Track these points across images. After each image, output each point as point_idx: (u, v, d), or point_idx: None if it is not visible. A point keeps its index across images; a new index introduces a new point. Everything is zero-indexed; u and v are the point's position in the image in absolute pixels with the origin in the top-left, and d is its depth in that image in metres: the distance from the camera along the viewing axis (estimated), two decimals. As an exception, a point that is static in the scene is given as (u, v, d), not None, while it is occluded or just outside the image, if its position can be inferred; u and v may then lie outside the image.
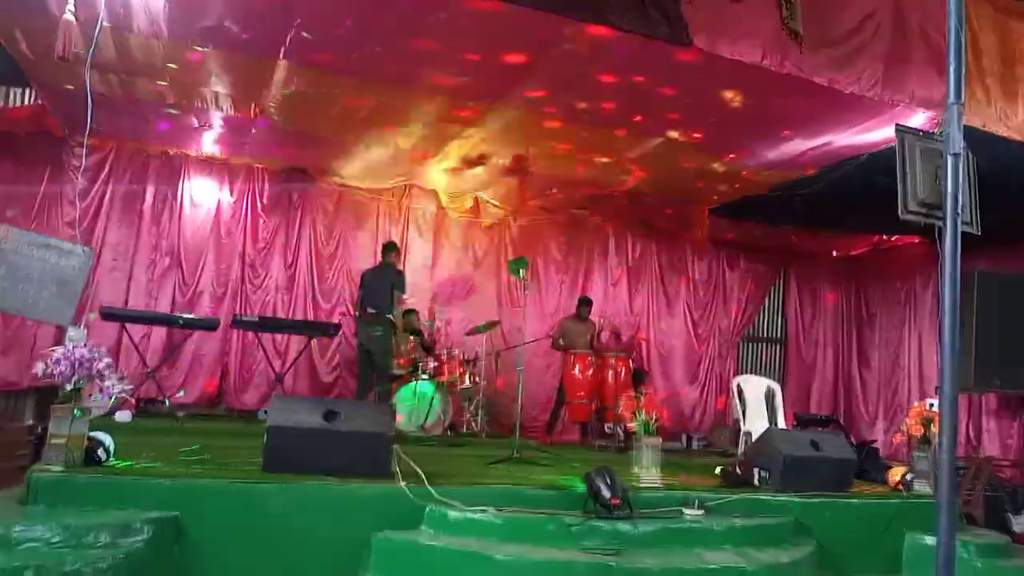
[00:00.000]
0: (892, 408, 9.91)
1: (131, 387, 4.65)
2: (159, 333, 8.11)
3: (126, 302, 8.02)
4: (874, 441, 8.43)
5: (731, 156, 7.25)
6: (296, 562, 3.83)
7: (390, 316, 6.83)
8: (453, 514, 4.13)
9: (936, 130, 2.85)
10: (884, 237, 10.28)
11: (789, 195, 7.98)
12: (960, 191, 2.63)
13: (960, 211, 2.62)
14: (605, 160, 7.66)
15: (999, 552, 4.99)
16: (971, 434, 8.60)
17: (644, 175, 8.03)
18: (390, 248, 7.71)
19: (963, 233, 2.74)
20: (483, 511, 4.16)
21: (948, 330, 2.60)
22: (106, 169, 8.14)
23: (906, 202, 2.72)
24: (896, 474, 5.73)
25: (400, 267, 7.26)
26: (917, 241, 9.90)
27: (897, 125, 2.84)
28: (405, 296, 7.39)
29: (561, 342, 8.58)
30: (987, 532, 5.38)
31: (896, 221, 8.68)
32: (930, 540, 4.98)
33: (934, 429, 5.55)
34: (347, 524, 3.98)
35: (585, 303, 8.83)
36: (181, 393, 7.94)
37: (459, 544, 3.95)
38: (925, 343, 9.71)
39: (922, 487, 5.55)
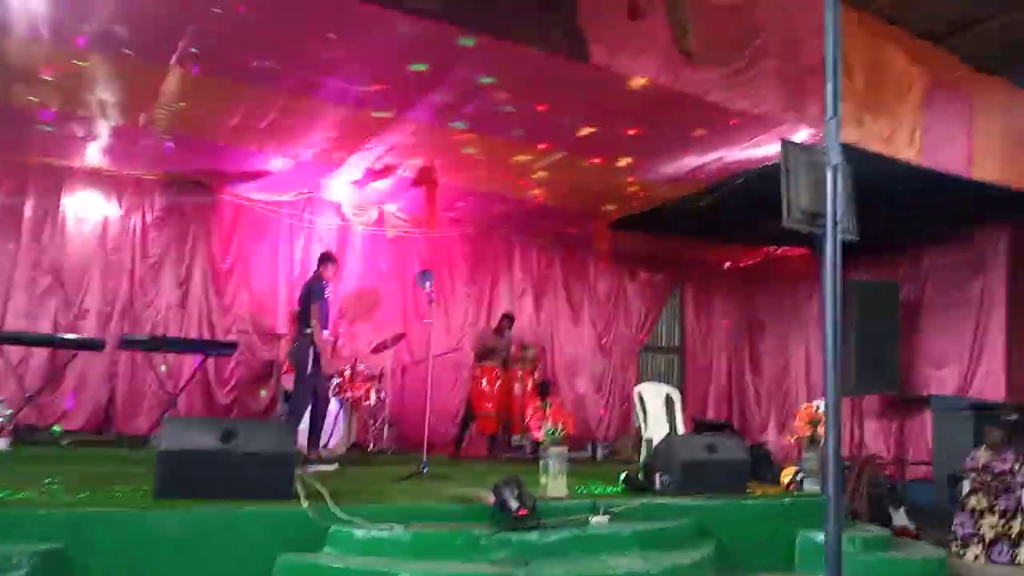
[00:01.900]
0: (783, 412, 10.42)
1: (8, 412, 4.35)
2: (40, 355, 7.58)
3: (2, 323, 7.47)
4: (766, 443, 8.83)
5: (629, 172, 7.46)
6: (191, 590, 3.66)
7: (307, 330, 6.37)
8: (358, 533, 4.06)
9: (818, 144, 3.03)
10: (773, 249, 10.83)
11: (683, 209, 8.28)
12: (839, 201, 2.80)
13: (840, 219, 2.79)
14: (511, 173, 7.73)
15: (882, 545, 5.30)
16: (855, 434, 9.14)
17: (549, 188, 8.16)
18: (320, 259, 7.04)
19: (843, 242, 2.93)
20: (389, 528, 4.10)
21: (830, 332, 2.75)
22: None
23: (790, 211, 2.87)
24: (787, 474, 6.02)
25: (320, 275, 6.71)
26: (803, 252, 10.47)
27: (783, 139, 3.01)
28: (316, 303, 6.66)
29: (485, 352, 8.58)
30: (871, 527, 5.71)
31: (783, 234, 9.10)
32: (821, 537, 5.23)
33: (821, 430, 5.87)
34: (247, 549, 3.84)
35: (508, 318, 8.91)
36: (58, 431, 7.43)
37: (365, 564, 3.88)
38: (812, 349, 10.28)
39: (811, 486, 5.85)
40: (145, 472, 4.59)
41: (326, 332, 6.51)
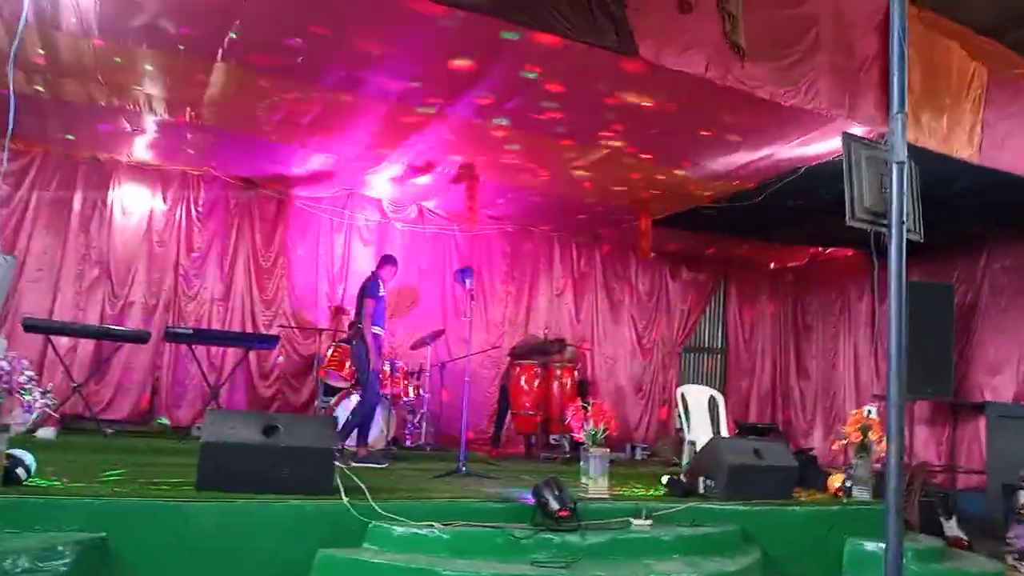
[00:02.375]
0: (830, 416, 10.16)
1: (55, 403, 4.40)
2: (86, 346, 7.74)
3: (51, 313, 7.63)
4: (812, 449, 8.61)
5: (676, 168, 7.33)
6: (232, 582, 3.65)
7: (359, 325, 6.44)
8: (398, 530, 4.03)
9: (881, 140, 2.90)
10: (821, 249, 10.57)
11: (731, 207, 8.12)
12: (904, 199, 2.67)
13: (905, 219, 2.66)
14: (552, 170, 7.65)
15: (935, 556, 5.12)
16: (905, 441, 8.85)
17: (591, 186, 8.06)
18: (381, 261, 7.07)
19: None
20: (429, 526, 4.07)
21: (895, 335, 2.63)
22: (31, 174, 7.76)
23: (853, 209, 2.75)
24: (836, 481, 5.84)
25: (377, 275, 6.70)
26: (851, 253, 10.21)
27: (844, 133, 2.88)
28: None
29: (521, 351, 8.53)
30: (924, 537, 5.52)
31: (832, 234, 8.91)
32: (870, 545, 5.09)
33: (872, 436, 5.69)
34: (287, 542, 3.82)
35: None
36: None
37: (405, 560, 3.84)
38: (860, 352, 9.99)
39: (861, 493, 5.67)
40: (187, 463, 4.62)
41: (379, 329, 6.43)
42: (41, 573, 3.13)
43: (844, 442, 5.89)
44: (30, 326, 6.82)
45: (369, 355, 6.23)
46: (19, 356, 3.76)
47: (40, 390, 3.74)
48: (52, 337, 7.25)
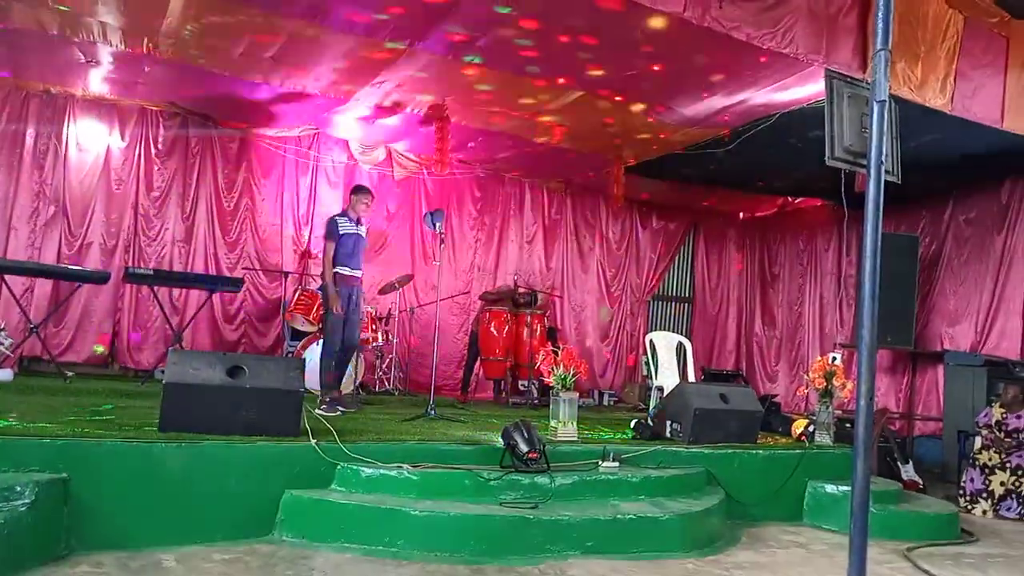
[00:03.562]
0: (794, 364, 10.34)
1: (11, 341, 4.27)
2: (43, 287, 7.50)
3: (4, 253, 7.36)
4: (776, 395, 8.76)
5: (650, 113, 7.23)
6: (200, 524, 3.63)
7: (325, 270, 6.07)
8: (366, 471, 4.02)
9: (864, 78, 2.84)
10: (790, 200, 10.61)
11: (703, 155, 8.06)
12: (884, 139, 2.63)
13: (883, 159, 2.63)
14: (524, 113, 7.50)
15: (892, 498, 5.27)
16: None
17: (563, 130, 7.93)
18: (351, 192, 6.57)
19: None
20: (397, 467, 4.06)
21: (869, 275, 2.61)
22: (-21, 106, 7.40)
23: (832, 148, 2.71)
24: (799, 426, 5.96)
25: (344, 211, 6.32)
26: (820, 204, 10.28)
27: (828, 69, 2.82)
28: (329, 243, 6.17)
29: (492, 296, 8.43)
30: (881, 480, 5.67)
31: (803, 183, 8.92)
32: (830, 487, 5.23)
33: (835, 383, 5.78)
34: (254, 483, 3.80)
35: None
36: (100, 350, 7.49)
37: (373, 501, 3.85)
38: (826, 302, 10.14)
39: (823, 438, 5.79)
40: (150, 406, 4.54)
41: (346, 269, 6.05)
42: (0, 512, 3.05)
43: (808, 388, 5.99)
44: (-17, 265, 6.57)
45: (328, 299, 5.95)
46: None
47: (-6, 328, 3.61)
48: (6, 277, 6.99)
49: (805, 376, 6.08)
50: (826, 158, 2.70)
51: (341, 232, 6.05)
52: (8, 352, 4.40)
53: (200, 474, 3.68)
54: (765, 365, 10.87)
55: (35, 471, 3.36)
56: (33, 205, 7.61)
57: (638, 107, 7.13)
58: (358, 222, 6.22)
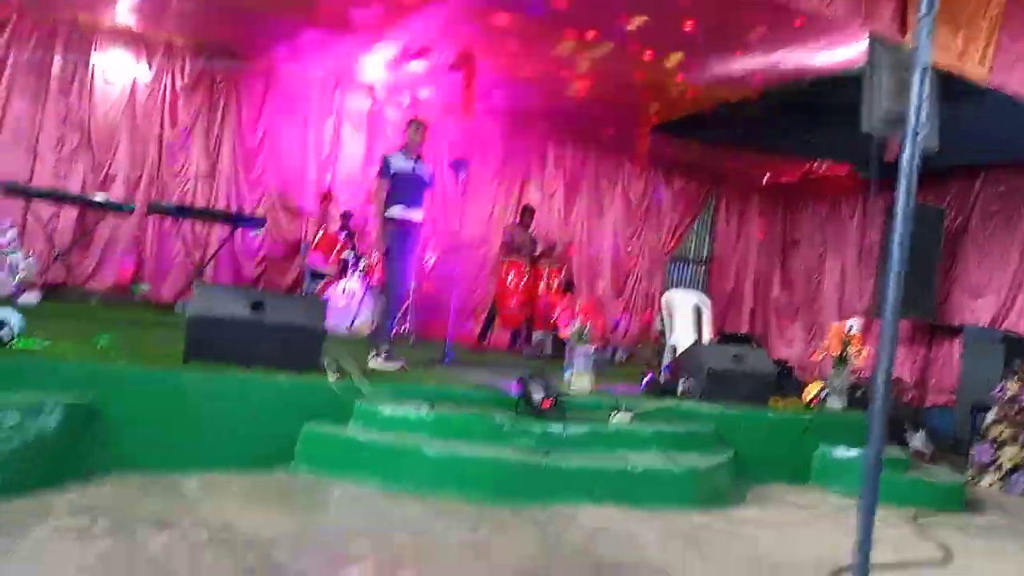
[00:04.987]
0: (810, 330, 10.34)
1: (37, 266, 4.34)
2: (68, 216, 7.58)
3: (31, 180, 7.42)
4: (789, 360, 8.78)
5: (680, 70, 7.11)
6: (221, 452, 3.73)
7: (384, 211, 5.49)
8: (384, 410, 4.10)
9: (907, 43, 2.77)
10: (814, 166, 10.46)
11: (729, 117, 7.94)
12: (924, 106, 2.59)
13: (922, 127, 2.59)
14: (552, 65, 7.40)
15: (901, 466, 5.31)
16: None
17: (591, 84, 7.82)
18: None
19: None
20: (415, 407, 4.13)
21: (897, 248, 2.60)
22: (6, 34, 7.37)
23: (870, 114, 2.66)
24: (812, 390, 5.98)
25: (400, 146, 5.69)
26: (846, 172, 10.12)
27: (872, 32, 2.75)
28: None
29: (513, 248, 8.36)
30: (890, 448, 5.70)
31: (831, 149, 8.74)
32: (839, 452, 5.26)
33: (851, 350, 5.79)
34: (274, 416, 3.89)
35: (529, 212, 8.69)
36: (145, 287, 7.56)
37: (389, 439, 3.92)
38: (847, 270, 10.07)
39: (835, 403, 5.82)
40: (171, 337, 4.62)
41: (398, 210, 5.39)
42: (30, 429, 3.15)
43: (823, 354, 6.00)
44: (11, 189, 6.62)
45: (387, 242, 5.36)
46: (1, 217, 3.66)
47: (23, 252, 3.66)
48: (31, 204, 7.06)
49: (822, 342, 6.08)
50: (862, 124, 2.65)
51: (393, 170, 5.47)
52: (32, 277, 4.47)
53: (222, 404, 3.77)
54: (781, 331, 10.87)
55: (62, 392, 3.45)
56: (59, 133, 7.64)
57: (668, 64, 7.01)
58: (417, 159, 5.61)
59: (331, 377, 4.12)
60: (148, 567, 2.51)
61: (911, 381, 8.63)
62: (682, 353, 5.88)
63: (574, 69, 7.42)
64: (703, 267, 11.35)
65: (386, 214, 5.40)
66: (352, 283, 7.50)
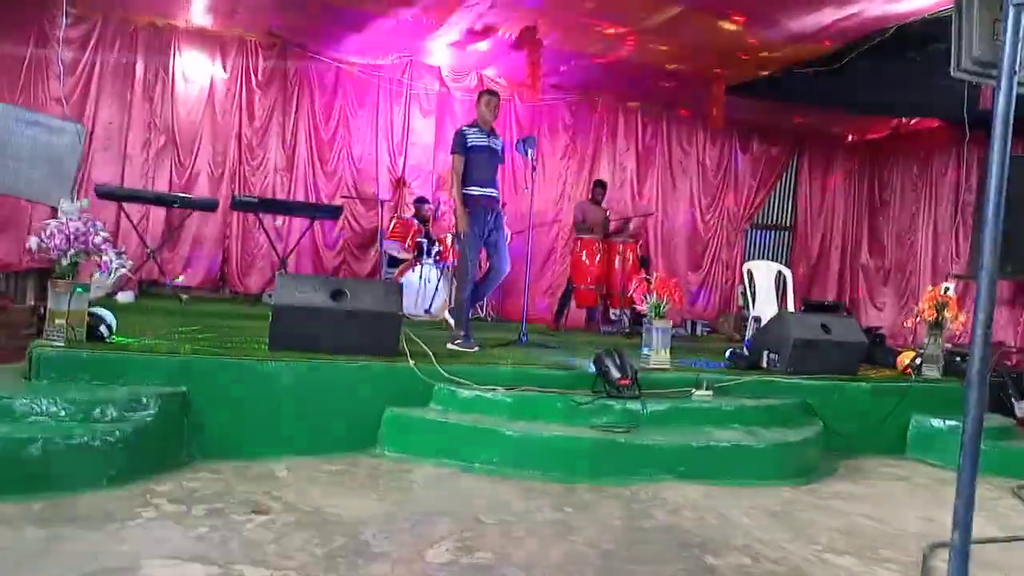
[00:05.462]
0: (903, 295, 9.86)
1: (131, 264, 4.56)
2: (157, 215, 7.94)
3: (121, 181, 7.80)
4: (881, 328, 8.40)
5: (754, 28, 6.83)
6: (308, 437, 3.85)
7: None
8: (462, 392, 4.13)
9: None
10: (904, 121, 9.92)
11: (809, 73, 7.60)
12: (1020, 47, 2.39)
13: (1019, 70, 2.39)
14: (619, 32, 7.23)
15: (1004, 434, 5.05)
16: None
17: (660, 50, 7.62)
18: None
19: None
20: (492, 389, 4.16)
21: (993, 202, 2.42)
22: (92, 40, 7.74)
23: (959, 58, 2.48)
24: (905, 359, 5.72)
25: (471, 120, 5.53)
26: (937, 125, 9.56)
27: (960, -31, 2.55)
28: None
29: (585, 226, 8.28)
30: (992, 415, 5.40)
31: (920, 102, 8.26)
32: (936, 421, 5.03)
33: (947, 314, 5.49)
34: (357, 400, 3.98)
35: (601, 186, 8.57)
36: (179, 279, 7.86)
37: (469, 420, 3.97)
38: (940, 230, 9.54)
39: (930, 371, 5.55)
40: (259, 327, 4.78)
41: (477, 189, 5.23)
42: (128, 422, 3.32)
43: (917, 319, 5.71)
44: (104, 193, 6.99)
45: (460, 220, 5.20)
46: (93, 219, 3.84)
47: (116, 251, 3.85)
48: (123, 205, 7.42)
49: (915, 307, 5.79)
50: (951, 69, 2.47)
51: (470, 144, 5.22)
52: (129, 274, 4.70)
53: (307, 390, 3.89)
54: (871, 296, 10.41)
55: (157, 385, 3.62)
56: (145, 136, 8.00)
57: (740, 23, 6.75)
58: (491, 133, 5.39)
59: (410, 361, 4.18)
60: (242, 548, 2.61)
61: (1014, 345, 8.14)
62: (766, 324, 5.71)
63: (641, 35, 7.23)
64: (786, 233, 10.97)
65: (465, 191, 5.23)
66: (428, 267, 7.59)
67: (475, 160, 5.24)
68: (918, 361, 5.57)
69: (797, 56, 7.35)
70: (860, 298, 10.51)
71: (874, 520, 3.52)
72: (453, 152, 5.30)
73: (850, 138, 10.81)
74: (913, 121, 9.81)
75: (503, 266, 5.44)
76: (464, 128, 5.36)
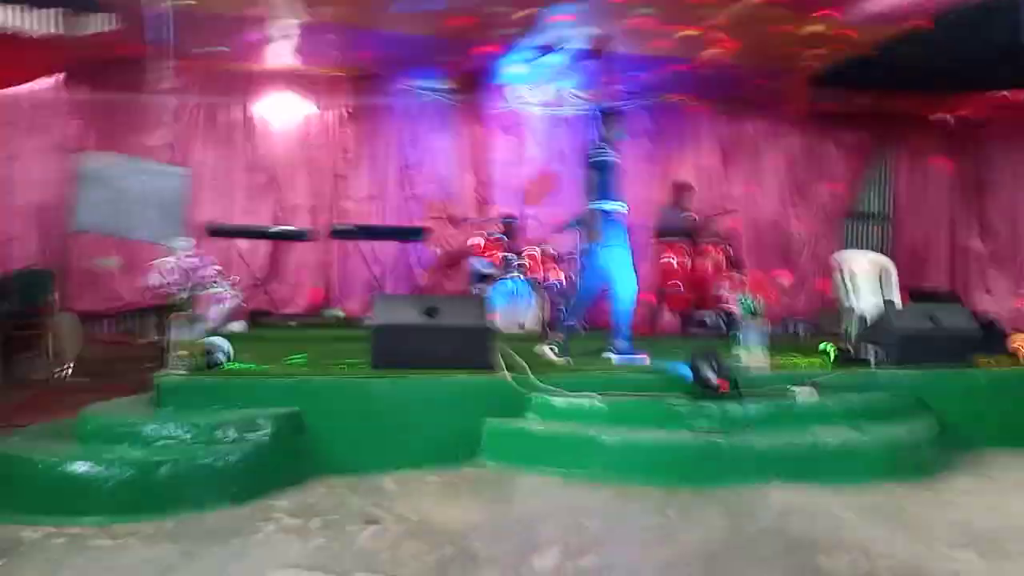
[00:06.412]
0: (1015, 277, 9.27)
1: (243, 293, 4.87)
2: (262, 248, 8.39)
3: (227, 219, 8.28)
4: (994, 313, 7.92)
5: (825, 12, 6.63)
6: (413, 451, 3.99)
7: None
8: (558, 401, 4.19)
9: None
10: (1006, 95, 9.36)
11: (896, 53, 7.29)
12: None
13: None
14: (690, 31, 7.18)
15: None
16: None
17: (733, 46, 7.50)
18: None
19: None
20: (587, 397, 4.19)
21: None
22: (191, 89, 8.28)
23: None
24: (1019, 341, 5.39)
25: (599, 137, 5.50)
26: (1045, 96, 8.99)
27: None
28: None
29: (669, 230, 8.20)
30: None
31: (1017, 72, 7.75)
32: (1063, 410, 4.72)
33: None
34: (457, 413, 4.10)
35: (681, 189, 8.49)
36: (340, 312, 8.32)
37: (566, 429, 4.02)
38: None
39: (1050, 355, 5.22)
40: (361, 348, 4.99)
41: (612, 204, 5.27)
42: (247, 442, 3.56)
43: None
44: (213, 230, 7.46)
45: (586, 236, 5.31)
46: (204, 255, 4.13)
47: (228, 282, 4.12)
48: (231, 241, 7.90)
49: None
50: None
51: (611, 161, 5.30)
52: (241, 303, 5.02)
53: (409, 405, 4.04)
54: (982, 282, 9.83)
55: (272, 406, 3.84)
56: (248, 175, 8.50)
57: (810, 10, 6.57)
58: (615, 148, 5.44)
59: (504, 373, 4.27)
60: (358, 558, 2.75)
61: None
62: (870, 318, 5.50)
63: (712, 32, 7.15)
64: (884, 223, 10.51)
65: (602, 207, 5.25)
66: (516, 281, 7.69)
67: (610, 177, 5.32)
68: (1036, 346, 5.25)
69: (882, 36, 7.08)
70: (970, 285, 9.93)
71: (997, 514, 3.36)
72: (590, 168, 5.35)
73: (944, 117, 10.27)
74: (1011, 94, 9.23)
75: (634, 286, 5.45)
76: (600, 141, 5.41)
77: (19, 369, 6.72)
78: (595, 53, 7.71)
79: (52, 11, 6.54)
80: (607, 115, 5.54)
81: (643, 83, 8.91)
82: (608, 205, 5.26)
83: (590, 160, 5.34)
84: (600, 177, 5.26)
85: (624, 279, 5.30)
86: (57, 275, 7.36)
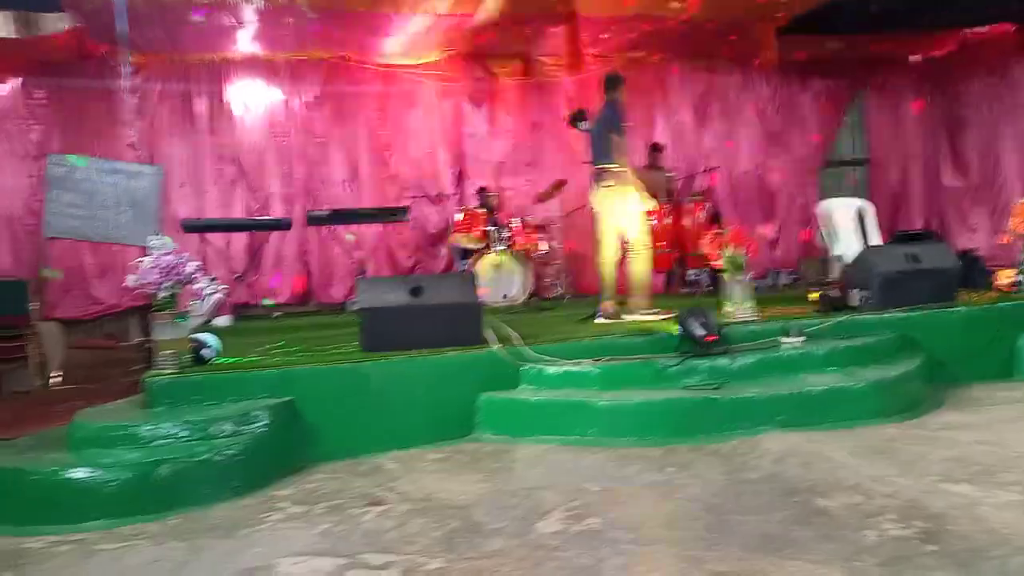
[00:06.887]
0: (995, 212, 9.38)
1: (225, 287, 4.82)
2: (239, 241, 8.31)
3: (202, 213, 8.19)
4: (977, 249, 8.01)
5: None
6: (410, 430, 3.99)
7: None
8: (550, 370, 4.21)
9: None
10: (972, 31, 9.40)
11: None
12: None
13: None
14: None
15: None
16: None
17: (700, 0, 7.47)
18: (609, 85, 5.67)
19: None
20: (578, 363, 4.21)
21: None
22: (153, 84, 8.14)
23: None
24: (1004, 276, 5.47)
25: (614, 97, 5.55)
26: (1013, 29, 9.02)
27: None
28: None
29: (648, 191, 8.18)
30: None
31: (986, 7, 7.80)
32: (1045, 339, 4.80)
33: (1042, 224, 5.23)
34: (451, 390, 4.10)
35: (657, 149, 8.48)
36: (270, 303, 8.22)
37: (561, 396, 4.04)
38: (1027, 138, 9.03)
39: (1032, 287, 5.30)
40: (347, 332, 4.98)
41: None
42: (244, 435, 3.54)
43: (1011, 235, 5.45)
44: (189, 227, 7.38)
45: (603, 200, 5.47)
46: (182, 251, 4.08)
47: (208, 278, 4.08)
48: (207, 236, 7.81)
49: (1007, 222, 5.53)
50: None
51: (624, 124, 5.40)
52: (225, 299, 4.98)
53: (403, 385, 4.03)
54: (961, 220, 9.93)
55: (265, 398, 3.83)
56: (217, 167, 8.38)
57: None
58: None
59: (495, 346, 4.28)
60: (365, 538, 2.76)
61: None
62: (851, 262, 5.55)
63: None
64: (861, 168, 10.56)
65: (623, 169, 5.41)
66: (500, 254, 7.67)
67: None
68: (1018, 278, 5.32)
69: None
70: (950, 223, 10.04)
71: (989, 446, 3.41)
72: (612, 131, 5.47)
73: (914, 58, 10.30)
74: (984, 29, 9.27)
75: None
76: (619, 107, 5.55)
77: (3, 382, 6.66)
78: (557, 19, 7.62)
79: (6, 13, 6.38)
80: (613, 80, 5.66)
81: (610, 45, 8.85)
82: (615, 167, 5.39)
83: (605, 125, 5.46)
84: (619, 139, 5.39)
85: (608, 242, 5.43)
86: (34, 284, 7.27)
